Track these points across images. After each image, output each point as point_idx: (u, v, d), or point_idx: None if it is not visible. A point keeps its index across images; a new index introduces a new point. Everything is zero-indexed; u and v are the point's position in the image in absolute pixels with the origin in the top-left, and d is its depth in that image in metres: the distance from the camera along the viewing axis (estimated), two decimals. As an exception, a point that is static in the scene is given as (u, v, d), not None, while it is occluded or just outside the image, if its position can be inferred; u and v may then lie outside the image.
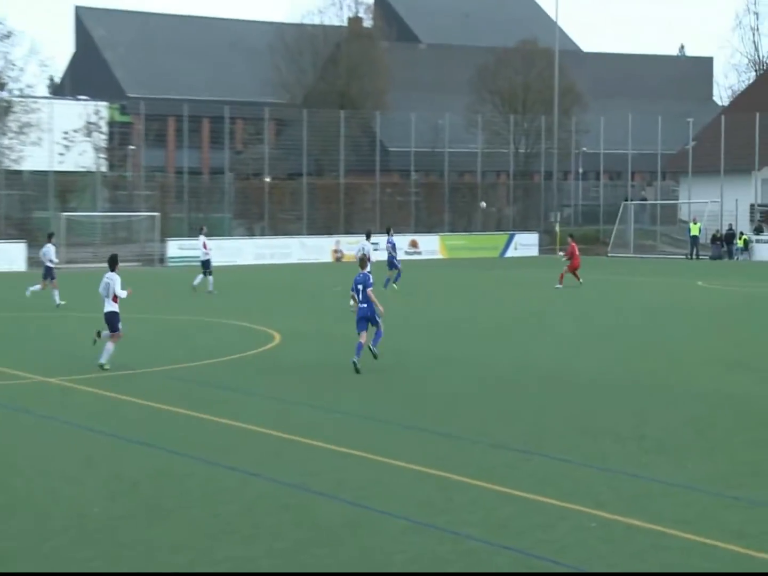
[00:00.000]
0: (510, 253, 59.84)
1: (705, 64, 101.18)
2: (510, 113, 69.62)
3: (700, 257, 56.43)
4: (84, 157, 56.73)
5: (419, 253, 57.03)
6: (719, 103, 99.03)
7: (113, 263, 18.29)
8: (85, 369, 18.38)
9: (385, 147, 68.24)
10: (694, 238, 56.57)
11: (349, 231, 58.42)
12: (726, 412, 14.64)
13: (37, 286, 30.06)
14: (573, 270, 35.47)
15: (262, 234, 56.48)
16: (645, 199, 68.70)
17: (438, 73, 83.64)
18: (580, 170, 71.05)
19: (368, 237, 31.36)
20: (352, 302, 19.17)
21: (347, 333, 23.69)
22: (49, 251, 30.15)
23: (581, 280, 35.47)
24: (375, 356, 18.27)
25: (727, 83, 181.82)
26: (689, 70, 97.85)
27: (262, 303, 31.79)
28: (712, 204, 59.84)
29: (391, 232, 35.36)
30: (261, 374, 17.94)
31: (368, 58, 72.63)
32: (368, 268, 18.77)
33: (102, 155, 58.41)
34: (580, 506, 10.05)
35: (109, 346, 18.17)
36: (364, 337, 18.13)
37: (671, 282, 40.15)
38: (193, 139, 67.98)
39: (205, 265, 34.68)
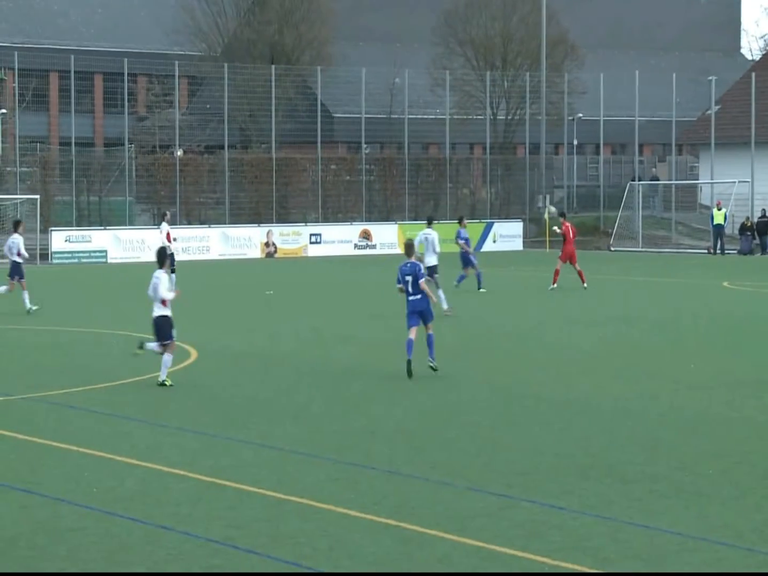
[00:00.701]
0: (487, 246, 60.10)
1: (731, 8, 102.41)
2: (486, 69, 69.98)
3: (726, 252, 57.09)
4: (-59, 123, 56.26)
5: (373, 246, 57.10)
6: (749, 56, 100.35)
7: (161, 259, 18.99)
8: (-55, 395, 18.24)
9: (329, 112, 68.34)
10: (719, 228, 57.21)
11: (283, 219, 58.45)
12: (757, 446, 14.83)
13: (3, 288, 30.10)
14: (569, 260, 35.81)
15: (173, 223, 56.08)
16: (656, 179, 69.36)
17: (394, 19, 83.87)
18: (575, 142, 71.47)
19: (430, 224, 31.90)
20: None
21: (282, 349, 23.73)
22: (16, 243, 30.43)
23: (586, 284, 35.80)
24: (434, 369, 19.80)
25: (758, 32, 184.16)
26: (711, 15, 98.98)
27: (173, 311, 31.61)
28: (740, 184, 60.57)
29: (464, 222, 36.15)
30: (173, 400, 17.91)
31: (306, -1, 72.68)
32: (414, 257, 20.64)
33: (-36, 121, 57.91)
34: (577, 564, 10.14)
35: (167, 360, 18.79)
36: (414, 333, 19.73)
37: (690, 283, 40.57)
38: (83, 101, 67.62)
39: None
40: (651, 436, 15.32)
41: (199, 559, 10.36)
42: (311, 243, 55.93)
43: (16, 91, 57.50)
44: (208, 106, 66.86)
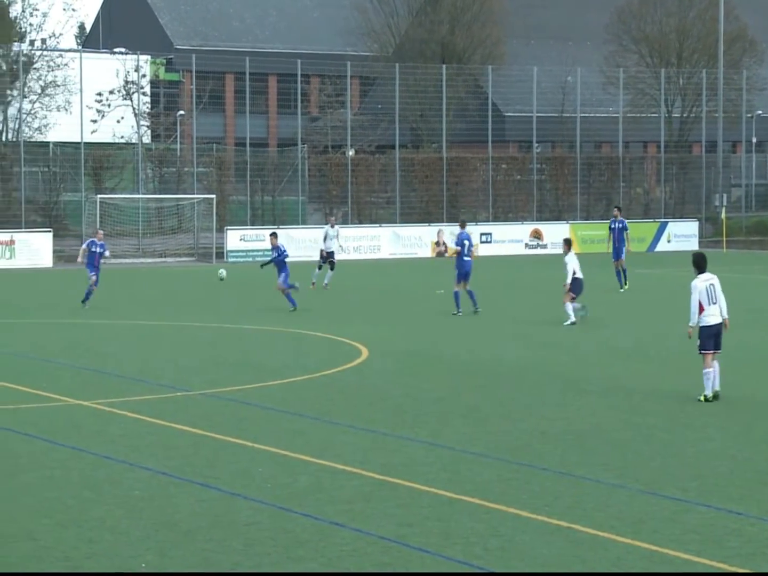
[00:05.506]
0: (661, 246, 59.24)
1: None
2: (661, 67, 68.94)
3: None
4: (122, 125, 57.81)
5: (544, 245, 56.77)
6: None
7: (701, 264, 17.88)
8: (124, 389, 18.79)
9: (500, 111, 68.17)
10: None
11: (454, 218, 58.42)
12: None
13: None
14: None
15: (345, 222, 56.81)
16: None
17: (566, 16, 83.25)
18: (754, 140, 69.93)
19: None
20: None
21: (452, 349, 23.78)
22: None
23: None
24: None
25: None
26: None
27: (345, 309, 32.04)
28: None
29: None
30: (345, 398, 18.11)
31: (478, -2, 72.62)
32: None
33: (144, 122, 59.43)
34: (756, 571, 9.95)
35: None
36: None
37: None
38: (258, 102, 68.79)
39: (328, 257, 37.58)
40: (832, 442, 14.94)
41: (371, 556, 10.46)
42: (482, 242, 55.77)
43: (194, 93, 58.75)
44: (379, 106, 67.31)
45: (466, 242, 29.49)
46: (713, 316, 17.61)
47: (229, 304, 32.71)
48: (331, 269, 37.19)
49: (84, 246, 32.29)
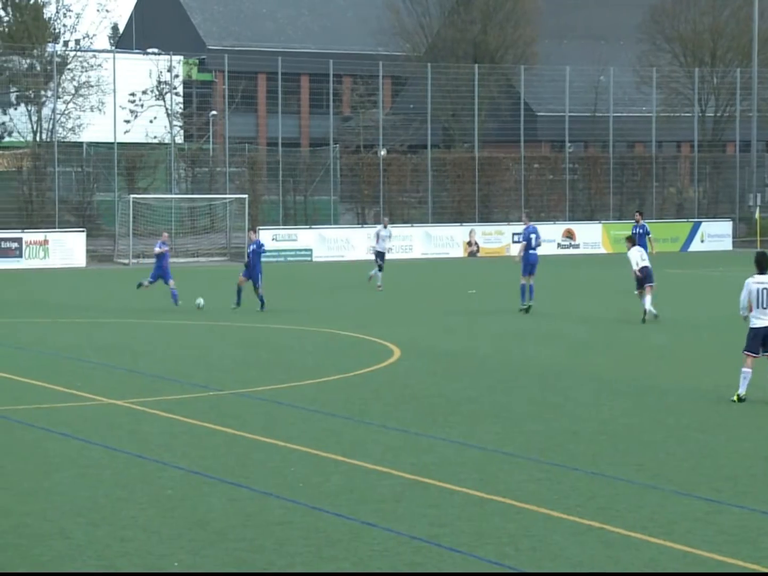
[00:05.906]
0: (695, 246, 59.03)
1: None
2: (694, 66, 68.67)
3: None
4: (155, 125, 57.99)
5: (576, 245, 56.66)
6: None
7: (761, 264, 17.43)
8: (157, 389, 18.87)
9: (532, 111, 68.07)
10: None
11: (485, 218, 58.44)
12: None
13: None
14: None
15: (377, 222, 56.84)
16: None
17: (599, 16, 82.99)
18: (788, 139, 69.51)
19: None
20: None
21: (484, 348, 23.76)
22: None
23: None
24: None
25: None
26: None
27: (376, 309, 32.05)
28: None
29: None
30: (376, 398, 18.12)
31: (510, -3, 72.48)
32: None
33: (177, 123, 59.59)
34: (788, 573, 9.91)
35: None
36: None
37: None
38: (290, 102, 68.85)
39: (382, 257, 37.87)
40: None
41: (403, 556, 10.47)
42: (514, 242, 55.65)
43: (226, 93, 58.85)
44: (411, 105, 67.30)
45: (533, 236, 30.13)
46: (760, 319, 17.33)
47: (257, 304, 32.73)
48: (379, 270, 37.43)
49: (157, 248, 32.31)
